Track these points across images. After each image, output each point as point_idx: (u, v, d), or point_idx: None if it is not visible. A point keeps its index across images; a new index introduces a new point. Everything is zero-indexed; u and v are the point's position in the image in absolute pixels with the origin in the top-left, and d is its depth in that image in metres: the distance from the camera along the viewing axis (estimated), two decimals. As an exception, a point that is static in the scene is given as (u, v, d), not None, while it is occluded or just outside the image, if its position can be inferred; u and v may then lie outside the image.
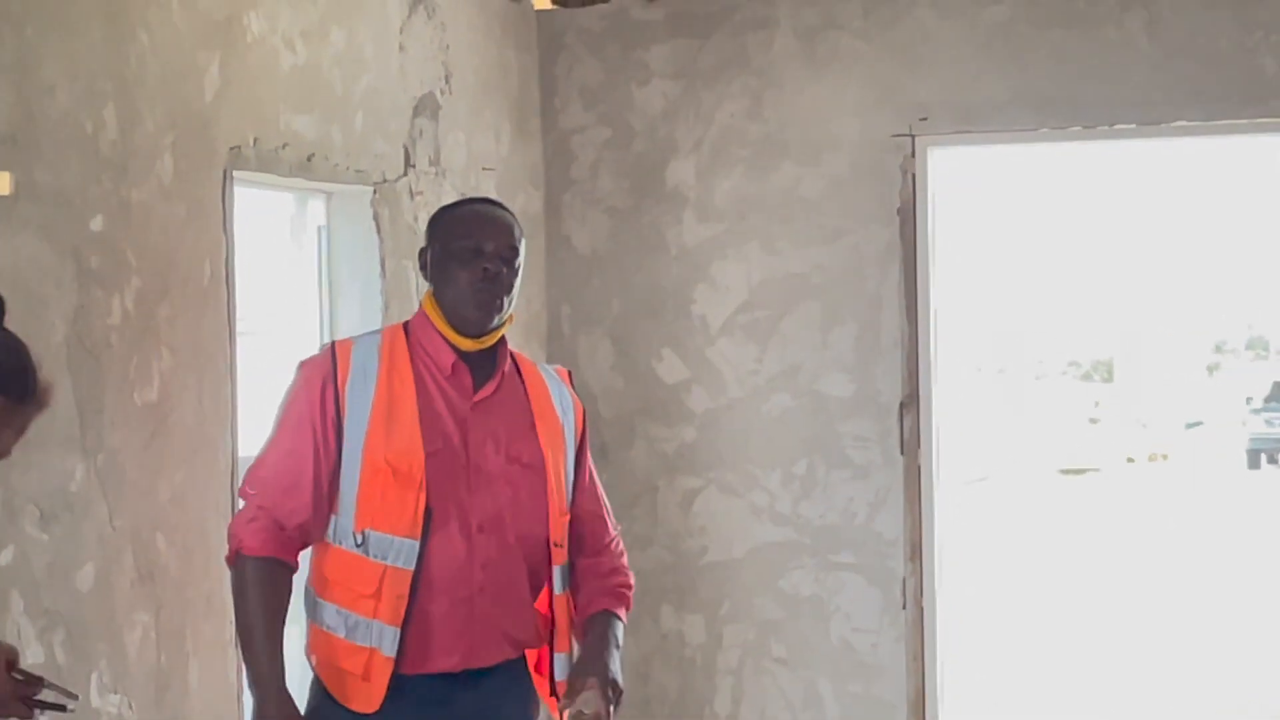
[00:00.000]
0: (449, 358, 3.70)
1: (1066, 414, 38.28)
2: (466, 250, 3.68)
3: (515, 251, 3.73)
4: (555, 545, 3.75)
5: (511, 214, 3.84)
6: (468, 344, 3.70)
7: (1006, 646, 12.11)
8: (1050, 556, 17.98)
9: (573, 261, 6.75)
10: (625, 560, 3.94)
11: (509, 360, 3.80)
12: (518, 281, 3.74)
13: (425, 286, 3.78)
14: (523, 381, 3.82)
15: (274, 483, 3.62)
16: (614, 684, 3.65)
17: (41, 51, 3.73)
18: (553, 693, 3.81)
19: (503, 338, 3.78)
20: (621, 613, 3.84)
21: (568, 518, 3.80)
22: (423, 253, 3.80)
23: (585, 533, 3.87)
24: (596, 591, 3.85)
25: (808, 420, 6.56)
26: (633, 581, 3.93)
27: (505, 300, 3.70)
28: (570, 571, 3.84)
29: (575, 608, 3.83)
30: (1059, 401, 40.15)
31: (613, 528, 3.95)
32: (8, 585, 3.60)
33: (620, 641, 3.79)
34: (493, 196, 6.02)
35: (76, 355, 3.83)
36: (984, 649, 11.52)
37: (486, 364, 3.74)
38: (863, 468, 6.52)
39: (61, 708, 3.09)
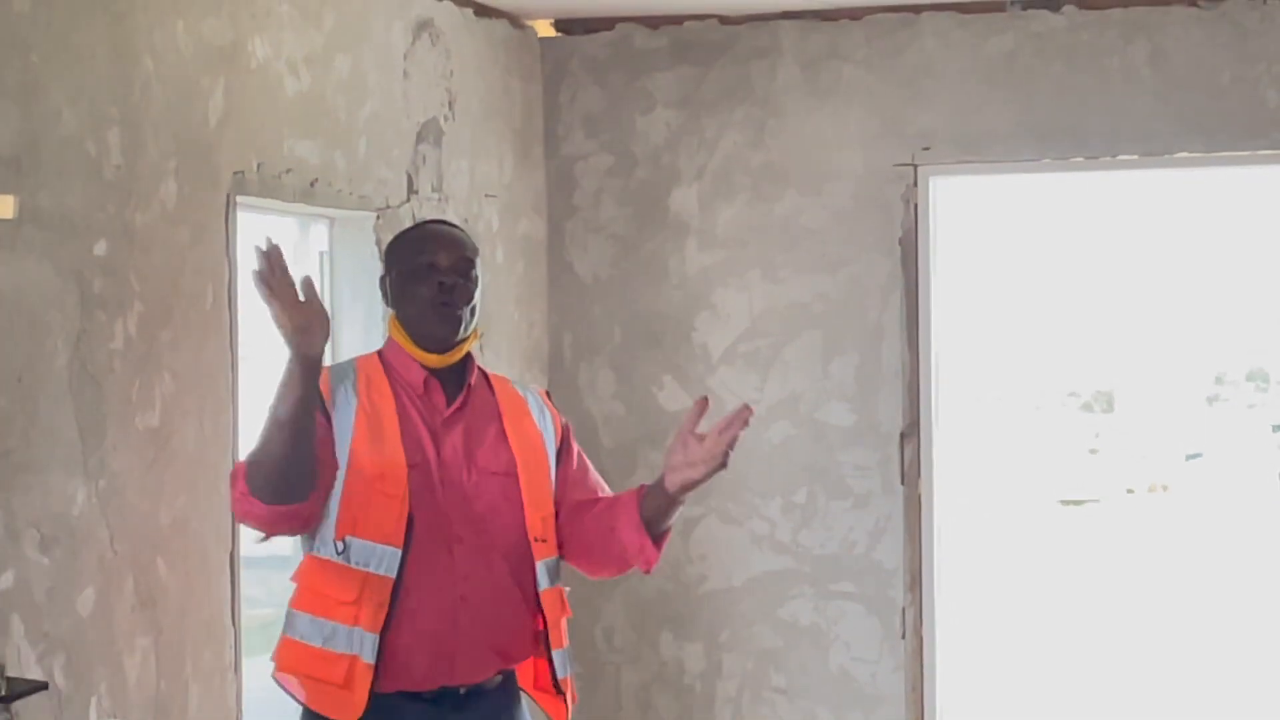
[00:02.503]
0: (420, 375, 3.76)
1: (1066, 444, 38.23)
2: (421, 267, 3.74)
3: (470, 264, 3.79)
4: (536, 540, 3.76)
5: (463, 231, 3.91)
6: (434, 360, 3.76)
7: (1006, 676, 12.09)
8: (1050, 586, 17.95)
9: (575, 289, 6.75)
10: None
11: (476, 374, 3.85)
12: (477, 294, 3.79)
13: (389, 313, 3.84)
14: (493, 393, 3.87)
15: None
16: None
17: (47, 76, 3.74)
18: (558, 692, 3.82)
19: (468, 352, 3.82)
20: None
21: (550, 514, 3.82)
22: (382, 280, 3.86)
23: (587, 507, 3.87)
24: (623, 499, 3.84)
25: (808, 449, 6.56)
26: None
27: (465, 312, 3.75)
28: (588, 533, 3.84)
29: (619, 524, 3.79)
30: (1059, 432, 40.11)
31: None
32: (8, 609, 3.59)
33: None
34: (493, 220, 6.04)
35: (79, 379, 3.83)
36: (984, 679, 11.50)
37: (456, 380, 3.80)
38: (863, 497, 6.51)
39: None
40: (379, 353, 3.84)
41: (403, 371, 3.76)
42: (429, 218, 4.87)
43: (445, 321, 3.72)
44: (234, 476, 3.60)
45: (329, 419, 3.65)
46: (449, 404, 3.76)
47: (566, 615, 3.86)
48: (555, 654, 3.81)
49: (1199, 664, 12.68)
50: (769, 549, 6.59)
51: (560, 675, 3.81)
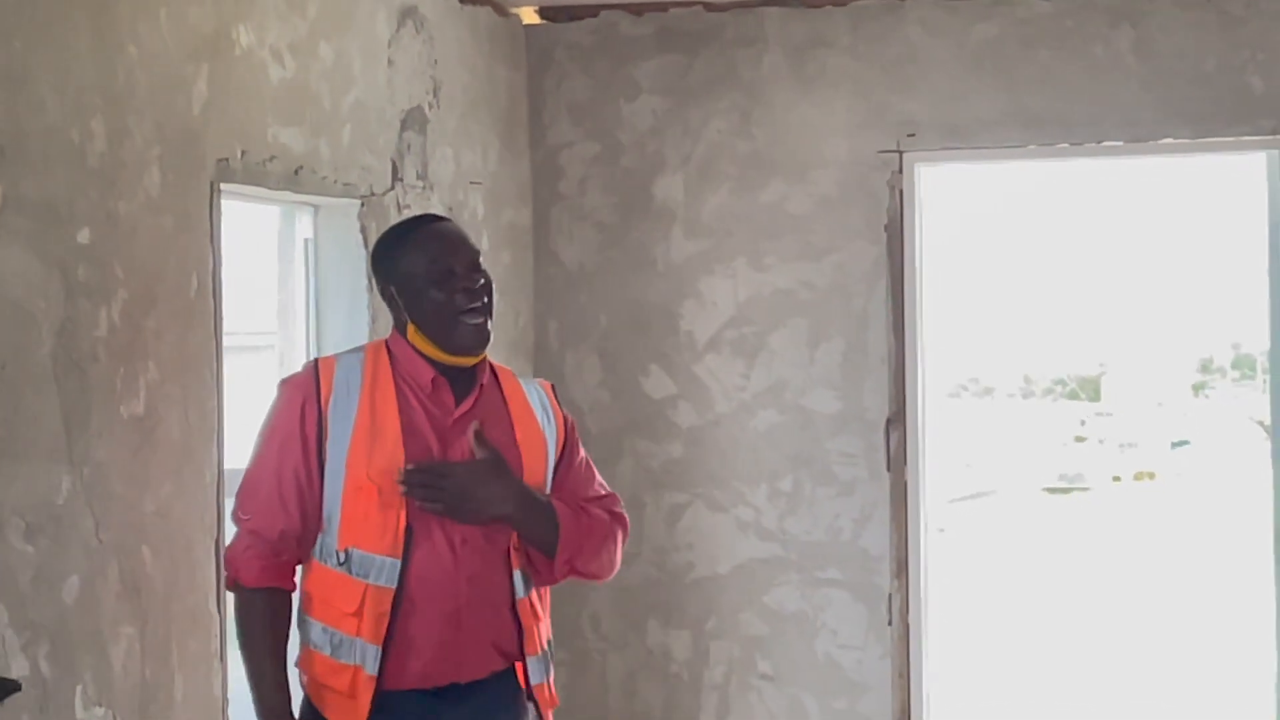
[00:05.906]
0: (428, 374, 3.71)
1: (1053, 432, 38.29)
2: (439, 274, 3.68)
3: (478, 260, 3.76)
4: (514, 549, 3.73)
5: (457, 223, 3.89)
6: (463, 361, 3.71)
7: (992, 663, 12.11)
8: (1037, 573, 17.99)
9: (560, 277, 6.75)
10: (616, 509, 3.87)
11: (488, 372, 3.81)
12: (495, 289, 3.78)
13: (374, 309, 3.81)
14: (501, 391, 3.83)
15: (263, 504, 3.63)
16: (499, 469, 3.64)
17: (30, 64, 3.73)
18: (530, 698, 3.79)
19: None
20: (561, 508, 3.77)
21: None
22: (385, 289, 3.78)
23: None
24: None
25: (794, 436, 6.56)
26: (619, 509, 3.87)
27: (491, 311, 3.73)
28: None
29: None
30: (1045, 420, 40.16)
31: (605, 491, 3.90)
32: (-8, 597, 3.59)
33: (550, 509, 3.73)
34: (478, 208, 6.03)
35: (63, 368, 3.82)
36: (970, 666, 11.52)
37: (466, 378, 3.75)
38: (849, 484, 6.52)
39: None
40: (386, 344, 3.79)
41: (409, 369, 3.71)
42: (418, 213, 4.82)
43: (479, 330, 3.69)
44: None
45: (321, 446, 3.63)
46: (458, 403, 3.72)
47: (540, 621, 3.80)
48: (530, 660, 3.76)
49: (1184, 650, 12.71)
50: (755, 536, 6.60)
51: (534, 681, 3.75)
